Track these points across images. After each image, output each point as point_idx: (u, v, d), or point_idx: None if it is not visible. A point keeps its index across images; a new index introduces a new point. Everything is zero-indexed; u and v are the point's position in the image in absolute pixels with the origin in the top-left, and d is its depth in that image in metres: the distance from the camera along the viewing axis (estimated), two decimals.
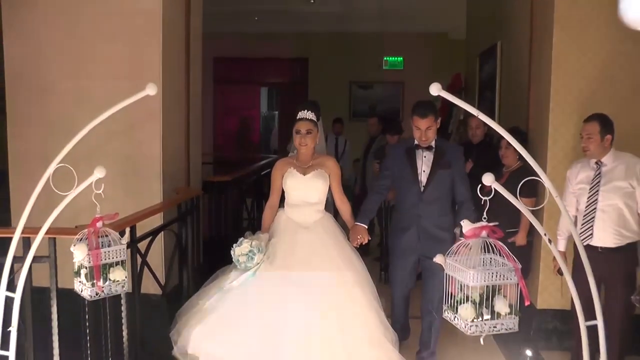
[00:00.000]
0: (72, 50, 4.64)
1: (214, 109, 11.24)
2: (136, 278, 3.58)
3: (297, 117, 3.77)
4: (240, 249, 3.41)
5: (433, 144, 3.85)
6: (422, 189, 3.82)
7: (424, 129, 3.74)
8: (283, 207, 3.85)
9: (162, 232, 4.19)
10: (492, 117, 5.26)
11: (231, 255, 3.44)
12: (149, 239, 3.84)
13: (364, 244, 3.76)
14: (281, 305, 3.32)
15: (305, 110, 3.77)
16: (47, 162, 4.49)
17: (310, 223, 3.72)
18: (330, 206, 4.00)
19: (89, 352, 3.23)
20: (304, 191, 3.75)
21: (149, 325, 3.90)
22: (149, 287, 4.15)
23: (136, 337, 3.55)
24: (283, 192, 3.84)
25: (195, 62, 5.45)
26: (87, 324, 3.21)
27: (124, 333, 3.42)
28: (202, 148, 5.84)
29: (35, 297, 3.14)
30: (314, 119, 3.78)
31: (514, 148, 4.27)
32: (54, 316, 3.06)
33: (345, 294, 3.44)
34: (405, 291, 4.07)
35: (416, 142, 3.85)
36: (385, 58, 10.80)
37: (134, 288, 3.51)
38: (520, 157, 4.21)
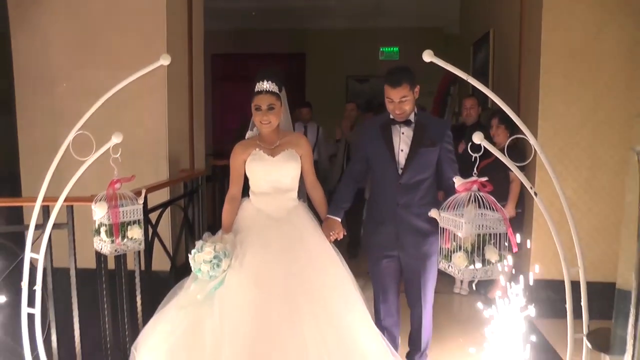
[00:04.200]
0: (79, 42, 4.84)
1: (213, 105, 11.38)
2: (148, 245, 3.72)
3: (255, 90, 3.09)
4: (202, 256, 2.82)
5: (412, 118, 3.17)
6: (399, 171, 3.15)
7: (397, 100, 3.06)
8: (247, 197, 3.24)
9: (170, 207, 4.39)
10: (485, 100, 5.46)
11: (190, 264, 2.88)
12: (159, 210, 4.02)
13: (339, 239, 3.23)
14: (259, 315, 2.81)
15: (265, 81, 3.06)
16: (57, 151, 4.71)
17: (283, 214, 3.14)
18: (304, 193, 3.37)
19: (106, 320, 3.42)
20: (275, 176, 3.14)
21: (158, 301, 4.08)
22: (158, 264, 4.32)
23: (150, 308, 3.72)
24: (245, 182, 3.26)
25: (198, 56, 5.65)
26: (104, 292, 3.40)
27: (138, 304, 3.57)
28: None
29: (56, 279, 3.28)
30: (276, 90, 3.08)
31: (504, 126, 4.55)
32: (73, 280, 3.23)
33: (332, 294, 2.99)
34: (391, 302, 3.40)
35: (391, 116, 3.19)
36: (381, 49, 10.96)
37: (146, 259, 3.68)
38: (511, 135, 4.41)
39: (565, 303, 2.59)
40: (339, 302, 2.95)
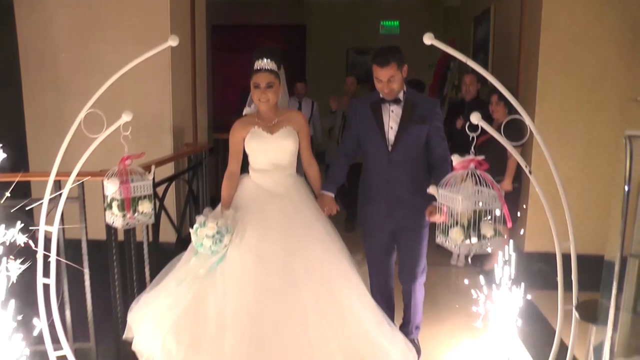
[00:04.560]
0: (81, 16, 4.91)
1: (213, 77, 11.40)
2: (156, 218, 3.83)
3: (254, 68, 3.14)
4: (205, 231, 2.89)
5: (401, 96, 3.22)
6: (389, 148, 3.21)
7: (386, 80, 3.11)
8: (247, 173, 3.33)
9: (175, 181, 4.49)
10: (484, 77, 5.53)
11: (192, 238, 2.96)
12: (165, 184, 4.13)
13: (332, 215, 3.32)
14: (261, 289, 2.91)
15: (264, 59, 3.12)
16: (62, 123, 4.80)
17: (282, 190, 3.22)
18: (301, 169, 3.48)
19: (117, 290, 3.56)
20: (274, 153, 3.21)
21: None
22: (165, 236, 4.45)
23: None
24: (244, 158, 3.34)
25: (200, 27, 5.69)
26: (115, 263, 3.53)
27: (147, 274, 3.71)
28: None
29: (68, 250, 3.40)
30: (275, 68, 3.13)
31: (504, 103, 4.63)
32: (84, 251, 3.36)
33: (331, 268, 3.09)
34: (385, 275, 3.47)
35: (381, 95, 3.24)
36: (382, 23, 10.94)
37: (154, 231, 3.80)
38: (510, 112, 4.50)
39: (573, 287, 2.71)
40: (335, 276, 3.06)
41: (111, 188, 2.69)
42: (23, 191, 4.71)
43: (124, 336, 3.12)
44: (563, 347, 2.83)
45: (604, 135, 4.54)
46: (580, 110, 4.58)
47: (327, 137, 6.76)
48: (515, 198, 4.66)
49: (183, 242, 4.58)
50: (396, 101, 3.21)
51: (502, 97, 4.61)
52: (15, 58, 5.08)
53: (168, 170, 4.43)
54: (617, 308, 2.04)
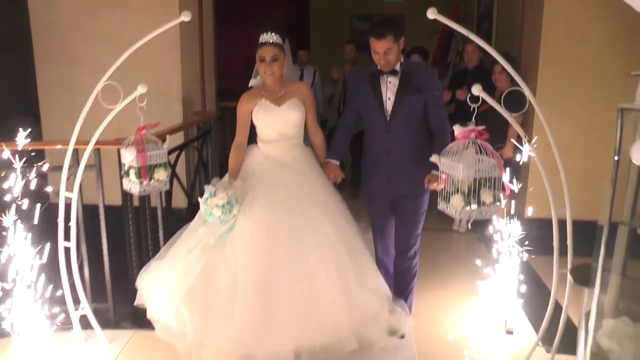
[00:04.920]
0: None
1: (217, 46, 11.39)
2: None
3: (260, 42, 3.19)
4: (215, 201, 2.97)
5: (398, 67, 3.26)
6: (387, 118, 3.28)
7: (382, 52, 3.15)
8: (255, 144, 3.41)
9: (185, 150, 4.61)
10: (488, 44, 5.59)
11: (202, 207, 3.05)
12: (177, 152, 4.26)
13: (337, 182, 3.42)
14: (269, 258, 3.04)
15: (269, 32, 3.17)
16: (73, 94, 4.92)
17: (289, 159, 3.32)
18: (307, 138, 3.55)
19: (132, 253, 3.74)
20: (281, 124, 3.30)
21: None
22: (176, 202, 4.62)
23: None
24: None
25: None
26: (131, 228, 3.70)
27: (161, 238, 3.86)
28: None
29: (85, 215, 3.52)
30: (279, 41, 3.19)
31: (507, 72, 4.70)
32: (102, 216, 3.51)
33: (337, 236, 3.19)
34: (388, 241, 3.57)
35: (379, 67, 3.28)
36: None
37: (167, 197, 3.95)
38: (512, 81, 4.57)
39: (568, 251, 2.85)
40: (341, 244, 3.18)
41: (128, 157, 2.83)
42: (37, 159, 4.87)
43: (136, 302, 3.28)
44: (558, 309, 2.99)
45: (606, 103, 4.61)
46: (583, 79, 4.64)
47: (328, 105, 6.82)
48: (517, 165, 4.77)
49: (194, 207, 4.73)
50: (393, 72, 3.25)
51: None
52: (27, 29, 5.16)
53: (178, 138, 4.55)
54: (607, 271, 2.17)
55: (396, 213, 3.48)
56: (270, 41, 3.15)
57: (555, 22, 4.64)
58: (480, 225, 5.15)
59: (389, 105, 3.28)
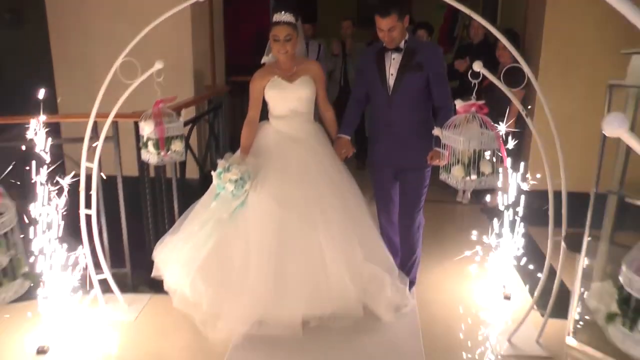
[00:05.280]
0: None
1: (225, 19, 11.38)
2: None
3: (273, 21, 3.28)
4: (229, 176, 3.07)
5: (402, 45, 3.38)
6: (389, 93, 3.41)
7: (386, 30, 3.26)
8: (266, 120, 3.53)
9: (197, 123, 4.76)
10: (494, 20, 5.68)
11: (214, 181, 3.16)
12: (190, 125, 4.41)
13: (349, 157, 3.56)
14: (281, 232, 3.16)
15: (282, 12, 3.25)
16: (87, 67, 5.04)
17: (300, 135, 3.44)
18: (317, 115, 3.68)
19: (149, 221, 3.93)
20: (292, 100, 3.41)
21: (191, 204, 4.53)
22: (189, 172, 4.78)
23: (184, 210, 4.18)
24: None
25: None
26: (148, 197, 3.88)
27: (175, 207, 4.03)
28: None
29: (104, 186, 3.67)
30: (293, 21, 3.27)
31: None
32: (120, 185, 3.68)
33: (345, 210, 3.34)
34: (391, 210, 3.69)
35: (389, 47, 3.39)
36: None
37: (181, 168, 4.11)
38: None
39: (555, 212, 3.00)
40: (349, 218, 3.33)
41: (147, 129, 2.98)
42: (52, 132, 5.03)
43: (153, 274, 3.48)
44: (553, 276, 3.15)
45: (607, 76, 4.72)
46: (585, 52, 4.74)
47: (329, 79, 6.88)
48: (520, 139, 4.89)
49: (205, 178, 4.91)
50: (397, 49, 3.36)
51: (509, 40, 4.80)
52: (41, 3, 5.28)
53: (190, 112, 4.70)
54: (597, 239, 2.32)
55: (400, 186, 3.61)
56: (284, 20, 3.23)
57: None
58: (482, 197, 5.31)
59: (391, 80, 3.39)
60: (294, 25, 3.27)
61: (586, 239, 2.41)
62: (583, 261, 2.53)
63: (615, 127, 1.24)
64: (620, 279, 1.40)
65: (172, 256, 3.36)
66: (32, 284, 2.34)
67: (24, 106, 3.11)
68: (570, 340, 2.77)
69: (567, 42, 4.75)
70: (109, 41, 4.84)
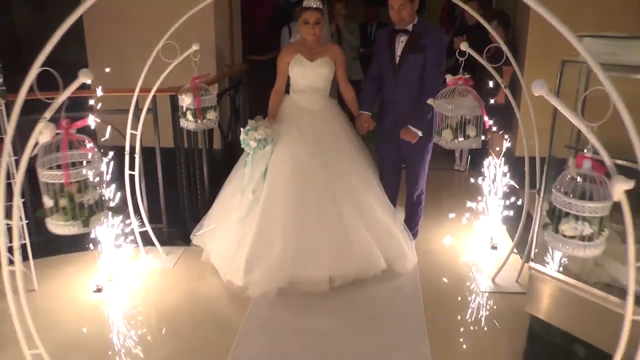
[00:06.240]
0: None
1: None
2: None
3: (304, 6, 3.69)
4: (254, 134, 3.52)
5: (410, 27, 3.73)
6: (395, 72, 3.78)
7: (397, 8, 3.62)
8: (288, 94, 3.94)
9: (221, 98, 5.30)
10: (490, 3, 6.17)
11: (241, 136, 3.59)
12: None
13: (370, 130, 3.91)
14: (302, 190, 3.59)
15: None
16: (118, 47, 5.53)
17: (316, 108, 3.84)
18: (335, 92, 4.09)
19: (183, 184, 4.51)
20: (311, 77, 3.82)
21: (218, 169, 5.01)
22: (214, 143, 5.36)
23: (212, 176, 4.75)
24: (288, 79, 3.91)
25: None
26: (182, 164, 4.45)
27: (205, 173, 4.61)
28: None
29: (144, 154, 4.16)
30: (320, 6, 3.70)
31: (502, 28, 5.30)
32: (157, 150, 4.27)
33: (357, 175, 3.77)
34: (389, 179, 4.06)
35: (396, 26, 3.75)
36: None
37: (208, 138, 4.68)
38: (507, 36, 5.20)
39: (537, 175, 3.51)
40: (360, 180, 3.78)
41: (187, 100, 3.53)
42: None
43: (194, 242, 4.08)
44: (530, 221, 3.67)
45: None
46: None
47: None
48: (509, 109, 5.40)
49: (228, 146, 5.49)
50: (405, 32, 3.73)
51: (501, 22, 5.30)
52: None
53: (214, 88, 5.23)
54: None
55: (404, 158, 4.02)
56: (314, 6, 3.68)
57: None
58: (478, 164, 5.84)
59: (397, 60, 3.78)
60: (321, 10, 3.70)
61: (544, 187, 2.94)
62: (541, 202, 3.06)
63: (538, 89, 1.78)
64: (552, 198, 1.95)
65: (216, 231, 3.85)
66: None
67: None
68: (532, 264, 3.24)
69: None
70: (138, 25, 5.36)
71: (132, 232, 3.99)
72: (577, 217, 1.87)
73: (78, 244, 4.02)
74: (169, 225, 4.48)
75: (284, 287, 3.53)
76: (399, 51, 3.78)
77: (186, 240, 4.26)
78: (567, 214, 1.90)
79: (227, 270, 3.69)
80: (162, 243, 4.23)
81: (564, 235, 1.91)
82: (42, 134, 2.19)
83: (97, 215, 2.38)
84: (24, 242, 3.52)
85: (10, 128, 2.22)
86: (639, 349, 2.00)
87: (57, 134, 2.24)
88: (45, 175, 2.24)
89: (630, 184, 1.79)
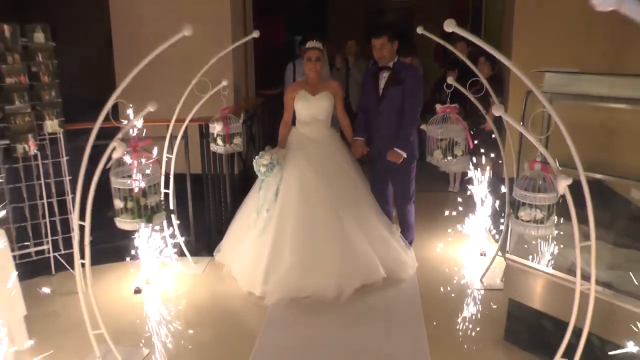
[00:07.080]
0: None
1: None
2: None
3: (307, 47, 4.30)
4: (262, 161, 4.05)
5: (391, 65, 4.32)
6: (378, 103, 4.34)
7: (379, 47, 4.22)
8: (294, 125, 4.45)
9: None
10: (479, 32, 6.87)
11: (254, 163, 4.11)
12: None
13: (364, 154, 4.43)
14: (310, 215, 4.08)
15: (315, 40, 4.27)
16: (147, 85, 6.17)
17: (319, 137, 4.36)
18: (336, 123, 4.61)
19: (210, 202, 5.12)
20: (314, 109, 4.32)
21: (238, 192, 5.61)
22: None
23: (235, 196, 5.37)
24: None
25: (248, 13, 7.07)
26: (209, 188, 5.08)
27: (228, 193, 5.24)
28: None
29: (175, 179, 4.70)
30: (321, 47, 4.30)
31: (489, 63, 5.96)
32: (187, 172, 4.87)
33: (357, 194, 4.29)
34: (382, 201, 4.55)
35: (379, 64, 4.36)
36: None
37: (230, 164, 5.34)
38: (492, 68, 5.89)
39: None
40: (361, 201, 4.33)
41: (218, 127, 4.17)
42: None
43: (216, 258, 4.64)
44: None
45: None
46: (546, 62, 5.81)
47: None
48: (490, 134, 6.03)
49: (247, 170, 6.10)
50: (387, 69, 4.35)
51: (487, 58, 5.96)
52: (108, 32, 6.52)
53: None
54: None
55: (391, 180, 4.57)
56: (315, 47, 4.31)
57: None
58: (468, 186, 6.43)
59: (380, 93, 4.37)
60: (322, 50, 4.35)
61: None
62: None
63: (496, 111, 2.41)
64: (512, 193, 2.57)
65: (236, 248, 4.38)
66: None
67: (90, 113, 3.75)
68: (508, 255, 3.75)
69: (538, 31, 6.03)
70: (165, 65, 6.02)
71: (165, 242, 4.57)
72: (531, 206, 2.49)
73: (119, 255, 4.64)
74: (196, 238, 5.05)
75: (296, 295, 4.01)
76: (382, 85, 4.38)
77: (210, 251, 4.81)
78: (524, 204, 2.51)
79: (246, 282, 4.19)
80: (191, 253, 4.79)
81: (523, 220, 2.52)
82: (116, 150, 2.82)
83: (159, 214, 2.99)
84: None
85: (86, 154, 2.86)
86: (587, 313, 2.58)
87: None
88: (118, 183, 2.87)
89: (569, 180, 2.41)
